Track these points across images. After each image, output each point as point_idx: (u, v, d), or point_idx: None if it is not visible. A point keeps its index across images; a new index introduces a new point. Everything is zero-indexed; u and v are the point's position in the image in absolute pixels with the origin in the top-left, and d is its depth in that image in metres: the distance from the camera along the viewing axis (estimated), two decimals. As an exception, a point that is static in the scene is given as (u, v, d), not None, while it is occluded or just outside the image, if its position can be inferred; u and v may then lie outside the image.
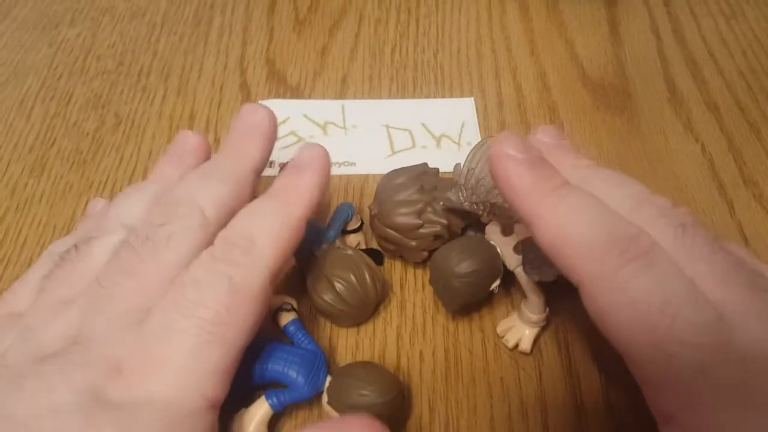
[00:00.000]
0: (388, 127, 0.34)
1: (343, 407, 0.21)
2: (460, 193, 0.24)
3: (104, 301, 0.19)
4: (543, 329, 0.25)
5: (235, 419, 0.21)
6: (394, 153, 0.33)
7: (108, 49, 0.38)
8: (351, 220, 0.27)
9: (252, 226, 0.20)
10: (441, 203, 0.25)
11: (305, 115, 0.35)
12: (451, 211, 0.25)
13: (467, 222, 0.26)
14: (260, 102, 0.35)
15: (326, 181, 0.23)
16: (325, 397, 0.22)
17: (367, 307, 0.25)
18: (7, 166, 0.32)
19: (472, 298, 0.24)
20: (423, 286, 0.27)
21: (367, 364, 0.23)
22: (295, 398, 0.21)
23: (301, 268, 0.26)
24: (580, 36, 0.40)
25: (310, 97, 0.36)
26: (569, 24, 0.41)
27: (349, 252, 0.25)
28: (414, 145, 0.33)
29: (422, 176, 0.26)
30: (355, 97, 0.36)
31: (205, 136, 0.25)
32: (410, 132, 0.34)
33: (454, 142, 0.34)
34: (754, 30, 0.41)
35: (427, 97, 0.36)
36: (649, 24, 0.41)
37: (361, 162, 0.32)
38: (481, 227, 0.26)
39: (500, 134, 0.20)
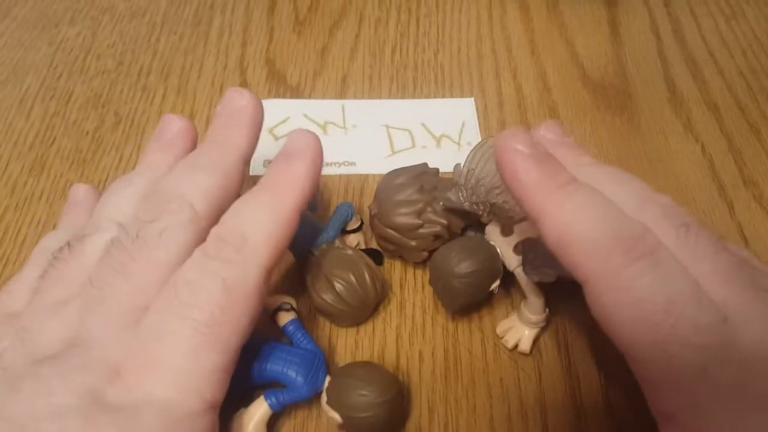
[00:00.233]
0: (388, 127, 0.34)
1: (343, 407, 0.21)
2: (460, 194, 0.24)
3: (99, 302, 0.19)
4: (542, 330, 0.25)
5: (234, 419, 0.21)
6: (394, 153, 0.33)
7: (108, 49, 0.38)
8: (351, 219, 0.27)
9: (244, 223, 0.20)
10: (441, 203, 0.25)
11: (305, 115, 0.35)
12: (451, 211, 0.25)
13: (467, 222, 0.26)
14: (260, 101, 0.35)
15: (318, 169, 0.22)
16: (324, 397, 0.22)
17: (366, 307, 0.25)
18: (7, 164, 0.32)
19: (472, 299, 0.24)
20: (423, 286, 0.27)
21: (366, 364, 0.23)
22: (294, 398, 0.21)
23: (300, 268, 0.26)
24: (580, 36, 0.40)
25: (310, 97, 0.36)
26: (569, 24, 0.41)
27: (349, 252, 0.25)
28: (414, 145, 0.33)
29: (422, 176, 0.26)
30: (355, 97, 0.36)
31: (190, 121, 0.25)
32: (410, 132, 0.34)
33: (454, 142, 0.34)
34: (755, 30, 0.41)
35: (427, 97, 0.36)
36: (649, 24, 0.41)
37: (361, 162, 0.32)
38: (481, 227, 0.26)
39: (506, 129, 0.20)
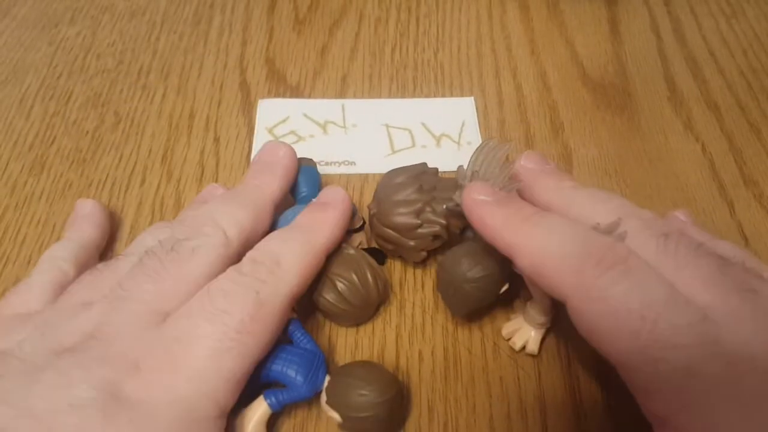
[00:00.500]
0: (388, 126, 0.34)
1: (342, 407, 0.21)
2: None
3: (124, 302, 0.19)
4: (548, 330, 0.25)
5: (233, 419, 0.21)
6: (394, 152, 0.33)
7: (108, 48, 0.38)
8: (353, 219, 0.27)
9: (278, 249, 0.22)
10: (444, 206, 0.25)
11: (305, 115, 0.35)
12: (454, 213, 0.25)
13: (466, 222, 0.26)
14: (260, 101, 0.35)
15: (347, 220, 0.25)
16: (324, 397, 0.22)
17: (368, 307, 0.25)
18: (7, 164, 0.32)
19: (482, 303, 0.24)
20: (422, 286, 0.27)
21: (366, 364, 0.23)
22: (294, 398, 0.21)
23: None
24: (580, 35, 0.40)
25: (310, 96, 0.36)
26: (569, 23, 0.41)
27: (351, 251, 0.25)
28: (414, 145, 0.33)
29: (421, 176, 0.26)
30: (355, 97, 0.36)
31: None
32: (410, 131, 0.34)
33: (454, 142, 0.34)
34: (755, 29, 0.41)
35: (427, 96, 0.36)
36: (649, 23, 0.41)
37: (361, 161, 0.32)
38: None
39: (468, 185, 0.22)
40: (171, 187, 0.31)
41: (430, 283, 0.27)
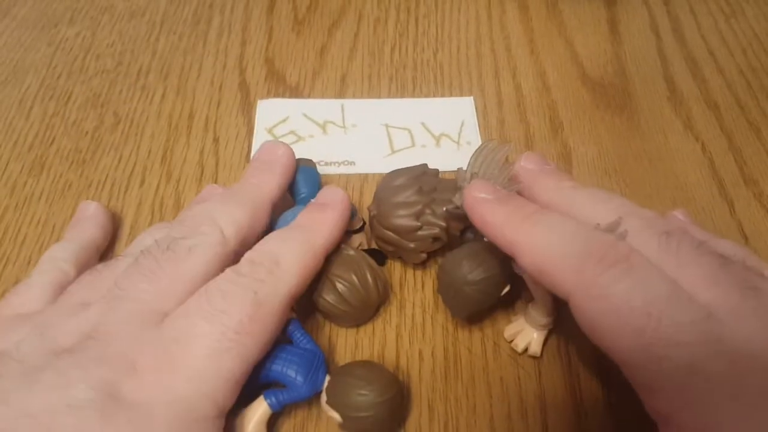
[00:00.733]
0: (387, 126, 0.34)
1: (343, 406, 0.21)
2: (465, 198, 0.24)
3: (121, 301, 0.19)
4: (550, 331, 0.25)
5: (233, 419, 0.21)
6: (393, 152, 0.33)
7: (107, 49, 0.38)
8: (353, 220, 0.27)
9: (277, 249, 0.22)
10: (445, 209, 0.25)
11: (305, 115, 0.35)
12: (454, 215, 0.25)
13: (466, 224, 0.26)
14: (259, 101, 0.35)
15: (346, 220, 0.25)
16: (324, 397, 0.22)
17: (368, 308, 0.25)
18: (7, 164, 0.32)
19: (483, 305, 0.24)
20: (422, 286, 0.27)
21: (366, 364, 0.23)
22: (294, 398, 0.21)
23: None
24: (579, 35, 0.40)
25: (309, 96, 0.36)
26: (569, 23, 0.41)
27: (351, 252, 0.25)
28: (413, 144, 0.33)
29: (421, 177, 0.26)
30: (354, 97, 0.36)
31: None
32: (410, 131, 0.34)
33: (454, 141, 0.34)
34: (754, 28, 0.41)
35: (427, 96, 0.36)
36: (648, 23, 0.41)
37: (360, 161, 0.32)
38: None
39: (468, 185, 0.22)
40: (170, 188, 0.31)
41: (430, 283, 0.27)
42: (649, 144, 0.34)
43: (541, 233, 0.19)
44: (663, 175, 0.32)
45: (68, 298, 0.21)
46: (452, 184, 0.26)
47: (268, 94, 0.36)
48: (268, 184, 0.25)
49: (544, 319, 0.24)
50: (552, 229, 0.19)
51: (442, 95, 0.36)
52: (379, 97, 0.36)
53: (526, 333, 0.25)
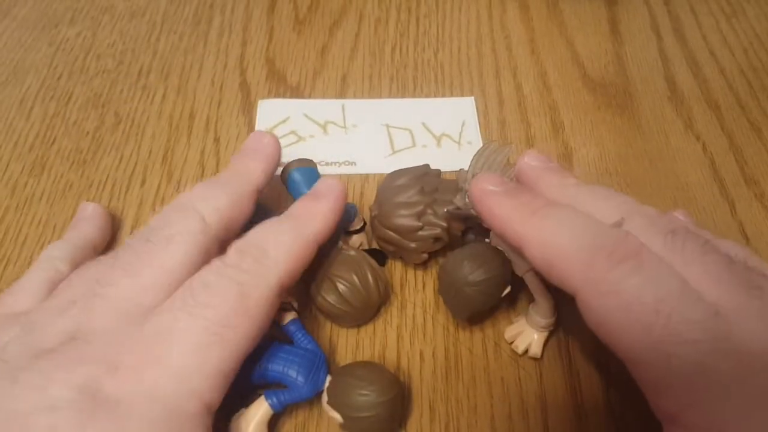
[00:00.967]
0: (388, 126, 0.34)
1: (344, 407, 0.21)
2: (466, 199, 0.24)
3: (102, 299, 0.19)
4: (551, 333, 0.25)
5: (234, 419, 0.21)
6: (394, 152, 0.33)
7: (108, 49, 0.38)
8: (353, 220, 0.27)
9: (265, 239, 0.21)
10: (446, 210, 0.25)
11: (305, 115, 0.35)
12: (455, 216, 0.25)
13: (468, 225, 0.26)
14: (260, 101, 0.35)
15: (341, 209, 0.24)
16: (325, 397, 0.22)
17: (369, 309, 0.25)
18: (7, 165, 0.32)
19: (484, 306, 0.24)
20: (423, 286, 0.27)
21: (367, 364, 0.23)
22: (295, 398, 0.21)
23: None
24: (580, 35, 0.40)
25: (310, 96, 0.36)
26: (569, 23, 0.41)
27: (352, 253, 0.25)
28: (414, 145, 0.33)
29: (423, 177, 0.26)
30: (355, 97, 0.36)
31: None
32: (410, 131, 0.34)
33: (455, 142, 0.34)
34: (755, 28, 0.41)
35: (428, 96, 0.36)
36: (649, 23, 0.41)
37: (361, 161, 0.32)
38: (481, 231, 0.26)
39: (476, 176, 0.22)
40: (171, 188, 0.31)
41: (431, 284, 0.27)
42: (649, 144, 0.34)
43: (550, 227, 0.19)
44: (664, 175, 0.32)
45: (57, 297, 0.21)
46: (454, 184, 0.26)
47: (269, 94, 0.36)
48: (252, 170, 0.25)
49: (544, 321, 0.24)
50: (562, 223, 0.19)
51: (443, 95, 0.36)
52: (380, 97, 0.36)
53: (526, 334, 0.25)
